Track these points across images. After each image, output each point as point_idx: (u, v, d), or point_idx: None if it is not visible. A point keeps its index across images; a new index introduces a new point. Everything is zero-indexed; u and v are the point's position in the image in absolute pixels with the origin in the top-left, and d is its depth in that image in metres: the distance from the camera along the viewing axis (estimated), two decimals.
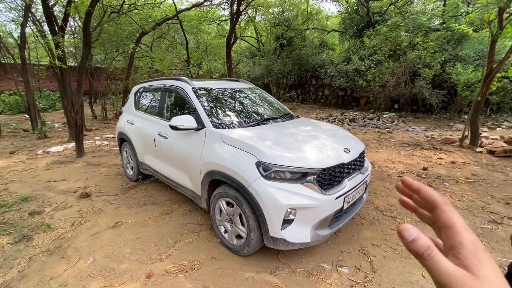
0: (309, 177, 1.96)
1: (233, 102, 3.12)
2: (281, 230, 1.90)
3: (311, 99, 14.56)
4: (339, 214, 2.16)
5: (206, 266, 2.13)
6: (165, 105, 3.20)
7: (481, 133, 5.56)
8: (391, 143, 6.18)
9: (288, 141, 2.25)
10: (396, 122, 8.84)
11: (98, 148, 6.03)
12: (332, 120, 9.49)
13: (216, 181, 2.34)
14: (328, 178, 2.03)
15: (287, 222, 1.92)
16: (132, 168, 3.91)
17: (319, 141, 2.35)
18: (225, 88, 3.26)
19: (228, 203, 2.25)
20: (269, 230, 1.92)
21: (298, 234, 1.93)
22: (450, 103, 9.16)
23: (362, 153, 2.52)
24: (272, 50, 15.25)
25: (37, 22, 8.79)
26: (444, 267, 0.31)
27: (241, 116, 2.88)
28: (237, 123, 2.67)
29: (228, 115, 2.80)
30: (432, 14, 8.30)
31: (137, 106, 3.77)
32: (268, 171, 1.95)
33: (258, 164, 1.98)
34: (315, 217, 1.94)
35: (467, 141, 5.60)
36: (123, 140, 3.97)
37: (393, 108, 11.08)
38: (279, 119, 3.03)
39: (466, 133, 5.48)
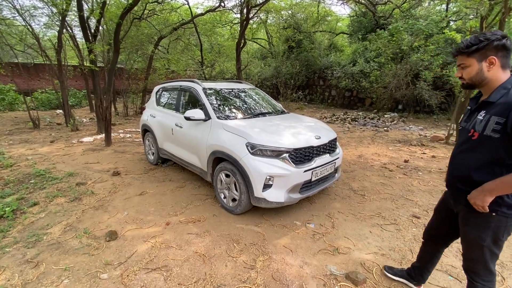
0: (284, 154, 2.67)
1: (235, 99, 3.86)
2: (262, 191, 2.62)
3: (318, 99, 15.11)
4: (309, 184, 2.85)
5: (209, 219, 2.88)
6: (181, 101, 3.99)
7: None
8: (384, 140, 6.73)
9: (272, 129, 2.97)
10: (396, 122, 9.30)
11: (122, 139, 6.95)
12: (335, 119, 10.05)
13: (218, 159, 3.08)
14: (299, 156, 2.73)
15: (267, 186, 2.63)
16: (153, 154, 4.73)
17: (296, 130, 3.05)
18: (229, 88, 4.00)
19: (226, 175, 2.99)
20: (254, 192, 2.65)
21: (275, 195, 2.64)
22: (450, 104, 9.50)
23: (333, 140, 3.19)
24: (281, 52, 15.89)
25: (68, 27, 9.89)
26: None
27: (240, 110, 3.62)
28: (235, 116, 3.41)
29: (230, 110, 3.55)
30: (431, 20, 8.70)
31: (158, 102, 4.59)
32: (254, 149, 2.67)
33: (247, 144, 2.71)
34: (288, 183, 2.65)
35: (453, 138, 6.07)
36: (146, 131, 4.81)
37: (396, 109, 11.48)
38: (271, 114, 3.74)
39: (451, 131, 5.96)
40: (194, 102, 3.76)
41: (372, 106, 12.26)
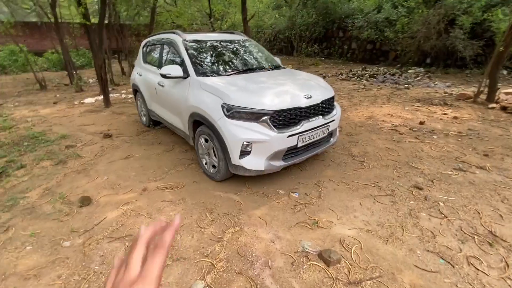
0: (264, 117, 2.32)
1: (220, 53, 3.40)
2: (239, 159, 2.36)
3: (336, 53, 13.78)
4: (296, 150, 2.54)
5: (188, 186, 2.73)
6: (163, 57, 3.60)
7: (498, 88, 5.16)
8: (401, 99, 6.03)
9: (254, 88, 2.57)
10: (420, 78, 8.29)
11: (123, 100, 6.80)
12: (351, 76, 9.17)
13: (198, 121, 2.80)
14: (282, 119, 2.37)
15: (245, 153, 2.36)
16: (145, 115, 4.54)
17: (284, 88, 2.63)
18: (216, 40, 3.52)
19: (205, 140, 2.73)
20: (231, 158, 2.39)
21: (254, 162, 2.38)
22: (487, 57, 8.20)
23: (329, 100, 2.75)
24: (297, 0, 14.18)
25: None
26: None
27: (223, 66, 3.19)
28: (217, 72, 3.00)
29: (212, 65, 3.14)
30: None
31: (144, 59, 4.22)
32: (230, 111, 2.34)
33: (223, 105, 2.38)
34: (268, 150, 2.35)
35: (483, 97, 5.27)
36: (136, 91, 4.55)
37: (424, 63, 10.20)
38: (261, 70, 3.28)
39: (482, 88, 5.14)
40: (175, 57, 3.36)
41: (396, 61, 10.98)
